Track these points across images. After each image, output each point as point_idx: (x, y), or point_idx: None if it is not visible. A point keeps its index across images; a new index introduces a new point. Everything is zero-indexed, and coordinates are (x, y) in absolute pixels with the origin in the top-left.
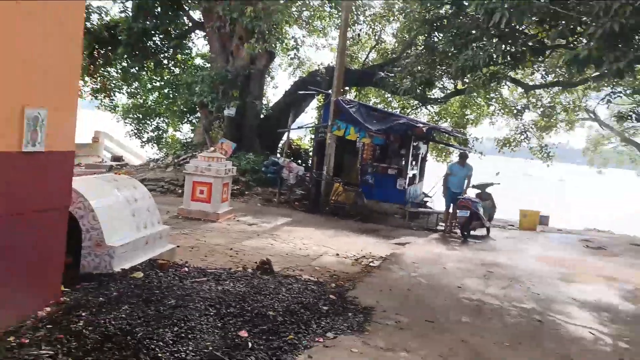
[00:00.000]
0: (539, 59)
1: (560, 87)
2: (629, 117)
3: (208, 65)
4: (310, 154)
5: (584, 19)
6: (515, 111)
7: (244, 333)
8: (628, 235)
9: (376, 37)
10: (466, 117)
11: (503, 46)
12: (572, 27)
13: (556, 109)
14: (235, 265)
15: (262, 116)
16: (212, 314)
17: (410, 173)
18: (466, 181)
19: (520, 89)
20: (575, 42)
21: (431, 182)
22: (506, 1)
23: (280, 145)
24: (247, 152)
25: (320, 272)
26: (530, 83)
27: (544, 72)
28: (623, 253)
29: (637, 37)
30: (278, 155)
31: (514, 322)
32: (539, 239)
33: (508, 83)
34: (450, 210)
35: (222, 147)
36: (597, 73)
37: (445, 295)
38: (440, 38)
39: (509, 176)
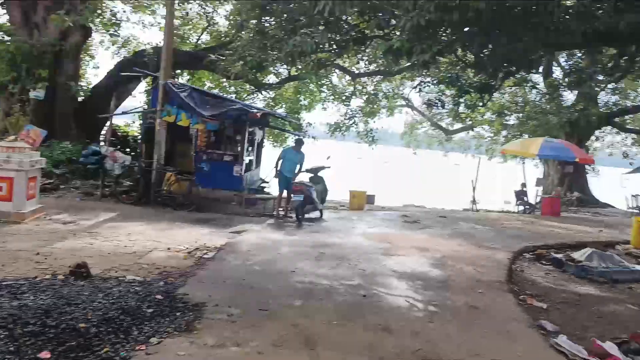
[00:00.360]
0: (361, 49)
1: (382, 76)
2: (436, 104)
3: (8, 38)
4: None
5: (397, 12)
6: (344, 97)
7: (45, 354)
8: (437, 208)
9: (208, 19)
10: (300, 102)
11: (329, 34)
12: (387, 19)
13: (379, 96)
14: (42, 272)
15: (79, 99)
16: (1, 337)
17: (246, 159)
18: (298, 166)
19: (347, 77)
20: (391, 34)
21: (268, 167)
22: None
23: (103, 132)
24: (61, 140)
25: (148, 270)
26: (356, 71)
27: (367, 61)
28: (433, 225)
29: (439, 32)
30: (101, 143)
31: (342, 300)
32: (366, 218)
33: (336, 70)
34: (284, 195)
35: (28, 135)
36: (409, 63)
37: (279, 281)
38: (270, 23)
39: (340, 160)
